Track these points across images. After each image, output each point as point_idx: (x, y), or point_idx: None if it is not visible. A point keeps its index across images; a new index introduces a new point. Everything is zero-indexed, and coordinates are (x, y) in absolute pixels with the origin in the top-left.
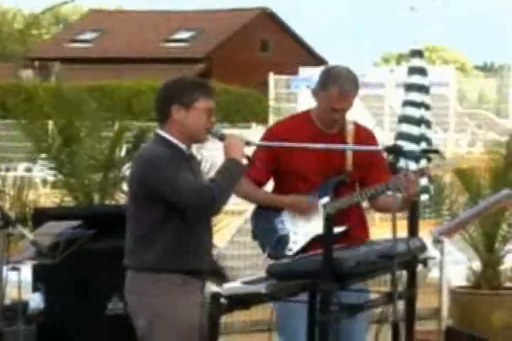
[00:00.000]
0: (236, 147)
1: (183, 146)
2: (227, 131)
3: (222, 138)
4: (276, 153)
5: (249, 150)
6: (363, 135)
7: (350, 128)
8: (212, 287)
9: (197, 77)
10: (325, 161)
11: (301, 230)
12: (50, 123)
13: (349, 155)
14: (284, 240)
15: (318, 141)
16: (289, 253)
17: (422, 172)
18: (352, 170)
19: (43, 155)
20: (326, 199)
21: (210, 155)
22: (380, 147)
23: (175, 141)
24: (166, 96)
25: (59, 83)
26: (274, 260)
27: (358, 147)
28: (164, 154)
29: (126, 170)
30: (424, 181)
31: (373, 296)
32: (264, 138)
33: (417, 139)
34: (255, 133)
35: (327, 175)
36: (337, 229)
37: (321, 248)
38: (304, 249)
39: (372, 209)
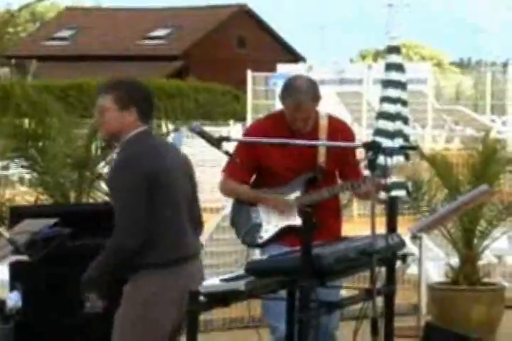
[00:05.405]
0: None
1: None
2: (207, 128)
3: (201, 133)
4: (256, 151)
5: (229, 147)
6: (337, 129)
7: (323, 123)
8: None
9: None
10: (298, 159)
11: (273, 220)
12: (25, 122)
13: (322, 151)
14: (256, 228)
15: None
16: (260, 241)
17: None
18: (325, 167)
19: (17, 153)
20: (296, 194)
21: (195, 151)
22: (358, 143)
23: None
24: None
25: (23, 81)
26: (246, 246)
27: (335, 143)
28: None
29: (102, 168)
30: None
31: (352, 293)
32: (243, 136)
33: (392, 135)
34: (233, 130)
35: (300, 171)
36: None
37: (293, 239)
38: (275, 239)
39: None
